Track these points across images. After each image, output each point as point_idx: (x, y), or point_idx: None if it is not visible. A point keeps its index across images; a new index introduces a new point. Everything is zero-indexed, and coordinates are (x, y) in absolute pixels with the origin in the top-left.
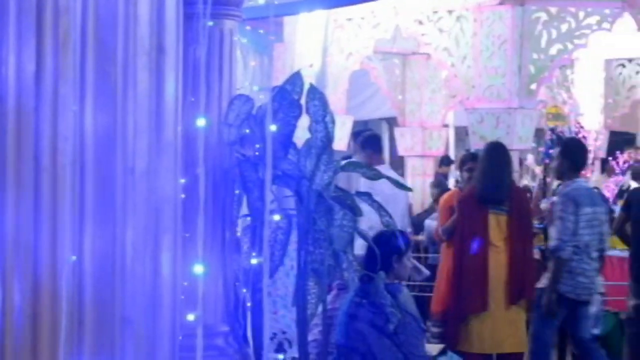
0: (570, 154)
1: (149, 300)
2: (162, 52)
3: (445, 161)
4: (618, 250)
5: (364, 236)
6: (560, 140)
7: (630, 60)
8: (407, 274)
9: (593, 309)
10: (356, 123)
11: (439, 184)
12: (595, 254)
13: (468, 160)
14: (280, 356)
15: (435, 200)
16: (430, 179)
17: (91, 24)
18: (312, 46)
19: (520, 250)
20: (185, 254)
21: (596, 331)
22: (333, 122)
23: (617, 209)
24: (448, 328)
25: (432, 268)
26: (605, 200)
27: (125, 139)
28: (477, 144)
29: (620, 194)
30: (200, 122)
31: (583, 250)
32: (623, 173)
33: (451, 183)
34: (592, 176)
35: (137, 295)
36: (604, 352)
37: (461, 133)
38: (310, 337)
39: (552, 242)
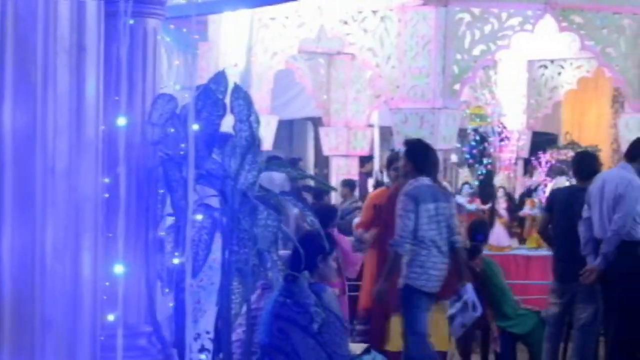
0: (412, 155)
1: (70, 301)
2: (82, 50)
3: (367, 160)
4: (544, 250)
5: (288, 236)
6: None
7: (552, 62)
8: (331, 274)
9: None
10: (281, 122)
11: (348, 184)
12: (445, 248)
13: (395, 160)
14: (203, 356)
15: (345, 196)
16: (355, 179)
17: (10, 23)
18: (237, 45)
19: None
20: (108, 254)
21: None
22: (257, 121)
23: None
24: (372, 327)
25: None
26: (449, 196)
27: (45, 138)
28: (401, 144)
29: (528, 193)
30: (122, 121)
31: (431, 245)
32: (546, 173)
33: (370, 183)
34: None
35: (57, 295)
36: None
37: (386, 133)
38: (234, 337)
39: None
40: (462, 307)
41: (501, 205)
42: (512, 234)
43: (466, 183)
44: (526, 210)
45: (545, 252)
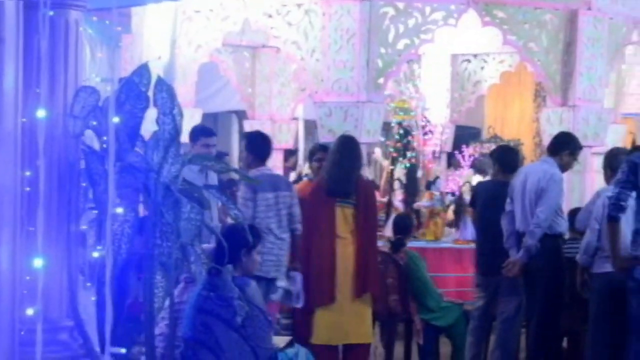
0: (251, 146)
1: None
2: (1, 42)
3: (291, 154)
4: (444, 243)
5: (211, 229)
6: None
7: (475, 56)
8: (255, 268)
9: (282, 283)
10: (205, 116)
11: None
12: (285, 235)
13: (317, 151)
14: (123, 350)
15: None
16: (279, 172)
17: None
18: (160, 38)
19: (367, 242)
20: (29, 248)
21: None
22: (181, 114)
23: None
24: (296, 320)
25: None
26: (290, 185)
27: None
28: (325, 137)
29: (428, 186)
30: (42, 113)
31: (267, 232)
32: (470, 167)
33: (292, 177)
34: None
35: None
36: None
37: (310, 126)
38: (157, 331)
39: None
40: (284, 294)
41: (397, 197)
42: None
43: (437, 177)
44: (423, 202)
45: (450, 244)
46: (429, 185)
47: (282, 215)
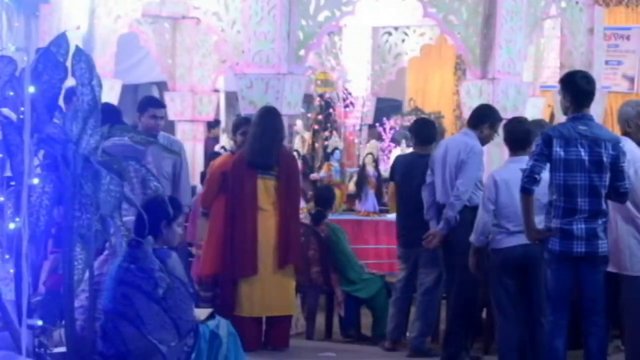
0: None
1: None
2: None
3: (214, 125)
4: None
5: (131, 201)
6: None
7: (396, 29)
8: (176, 240)
9: None
10: (125, 87)
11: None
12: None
13: (242, 124)
14: (40, 322)
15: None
16: (200, 144)
17: None
18: (79, 8)
19: (289, 214)
20: None
21: None
22: (100, 85)
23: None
24: (219, 292)
25: None
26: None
27: None
28: (246, 109)
29: (327, 157)
30: None
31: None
32: (391, 139)
33: (217, 147)
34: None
35: None
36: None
37: (231, 98)
38: (77, 303)
39: None
40: None
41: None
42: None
43: (336, 149)
44: (321, 174)
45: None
46: (328, 156)
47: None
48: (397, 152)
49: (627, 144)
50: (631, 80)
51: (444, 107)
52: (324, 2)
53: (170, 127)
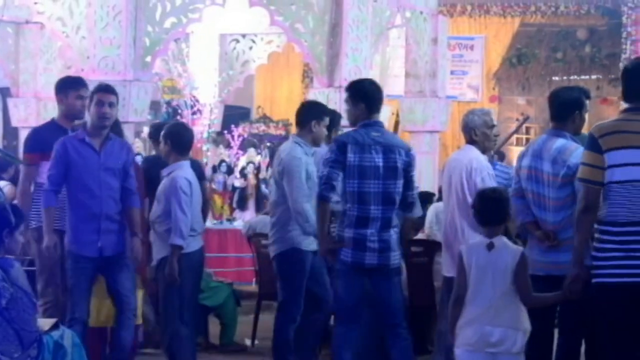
0: None
1: None
2: None
3: None
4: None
5: None
6: None
7: (243, 36)
8: (19, 249)
9: None
10: None
11: None
12: None
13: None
14: None
15: None
16: None
17: None
18: None
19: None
20: None
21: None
22: None
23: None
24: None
25: None
26: None
27: None
28: None
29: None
30: None
31: None
32: (239, 147)
33: None
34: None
35: None
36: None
37: None
38: None
39: None
40: None
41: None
42: None
43: (223, 161)
44: None
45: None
46: (215, 169)
47: None
48: (244, 159)
49: (473, 153)
50: (476, 89)
51: (292, 115)
52: (171, 8)
53: (14, 133)
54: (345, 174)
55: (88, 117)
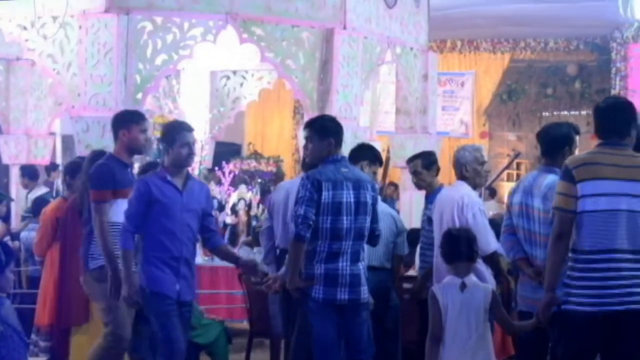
0: None
1: None
2: None
3: (53, 169)
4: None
5: None
6: None
7: (234, 72)
8: (9, 286)
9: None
10: None
11: (28, 171)
12: None
13: (76, 169)
14: None
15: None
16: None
17: None
18: None
19: None
20: None
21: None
22: None
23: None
24: (55, 342)
25: (34, 280)
26: None
27: None
28: (83, 153)
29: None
30: None
31: None
32: (230, 183)
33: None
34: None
35: None
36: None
37: (68, 141)
38: None
39: None
40: None
41: None
42: None
43: (214, 198)
44: None
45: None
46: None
47: None
48: (235, 196)
49: (464, 189)
50: (467, 125)
51: (283, 151)
52: (161, 45)
53: (5, 171)
54: (319, 211)
55: (166, 157)
